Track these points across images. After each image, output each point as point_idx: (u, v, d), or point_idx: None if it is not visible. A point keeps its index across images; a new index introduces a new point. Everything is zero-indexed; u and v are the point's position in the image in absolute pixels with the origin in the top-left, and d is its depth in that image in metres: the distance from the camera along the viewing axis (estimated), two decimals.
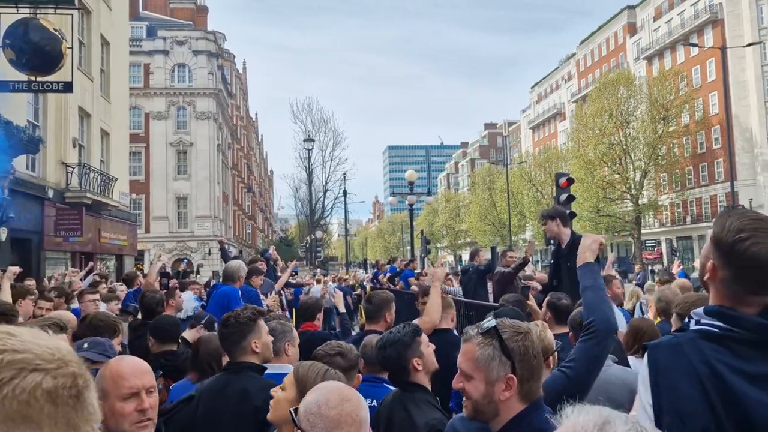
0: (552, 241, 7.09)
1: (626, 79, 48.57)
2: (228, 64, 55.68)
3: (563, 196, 12.93)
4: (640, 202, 47.13)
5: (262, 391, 2.54)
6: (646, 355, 1.61)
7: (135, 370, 2.05)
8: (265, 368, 3.11)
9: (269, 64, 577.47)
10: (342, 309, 5.75)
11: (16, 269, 5.81)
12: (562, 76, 77.73)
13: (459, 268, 15.89)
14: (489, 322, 1.84)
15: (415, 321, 4.73)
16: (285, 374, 3.07)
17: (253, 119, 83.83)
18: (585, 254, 2.46)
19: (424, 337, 3.04)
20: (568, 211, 12.64)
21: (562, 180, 13.20)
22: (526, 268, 8.47)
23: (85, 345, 2.53)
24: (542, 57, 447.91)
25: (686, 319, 1.62)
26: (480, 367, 1.78)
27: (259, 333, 3.01)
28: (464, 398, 1.84)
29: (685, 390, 1.49)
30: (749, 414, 1.42)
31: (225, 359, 3.88)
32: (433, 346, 3.06)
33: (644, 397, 1.57)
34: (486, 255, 10.20)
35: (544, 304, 4.69)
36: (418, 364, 2.93)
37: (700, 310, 1.58)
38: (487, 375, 1.78)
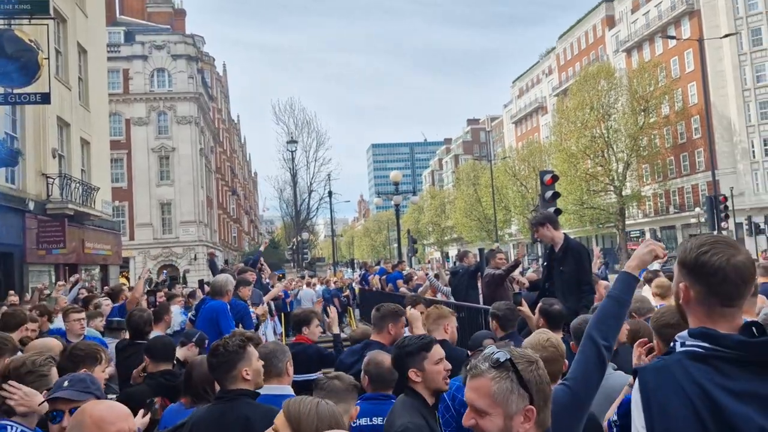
0: (538, 240, 7.11)
1: (606, 72, 48.97)
2: (208, 67, 55.27)
3: (548, 194, 13.00)
4: (623, 193, 47.57)
5: (265, 418, 2.48)
6: (636, 378, 1.67)
7: (118, 413, 2.00)
8: (258, 394, 3.07)
9: (248, 65, 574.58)
10: (336, 330, 5.54)
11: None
12: (543, 70, 78.14)
13: (449, 268, 15.87)
14: (500, 353, 1.76)
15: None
16: (289, 395, 3.04)
17: (235, 122, 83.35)
18: (632, 262, 2.27)
19: (434, 354, 3.00)
20: (553, 209, 12.77)
21: (547, 177, 13.27)
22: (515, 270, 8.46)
23: (65, 383, 2.45)
24: (522, 51, 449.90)
25: (671, 343, 1.69)
26: (498, 402, 1.71)
27: (249, 360, 2.96)
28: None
29: (676, 410, 1.55)
30: (736, 427, 1.49)
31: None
32: (448, 366, 3.02)
33: (637, 420, 1.63)
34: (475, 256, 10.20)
35: (537, 311, 4.68)
36: (416, 375, 2.94)
37: (685, 333, 1.66)
38: (506, 409, 1.71)
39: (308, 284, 19.19)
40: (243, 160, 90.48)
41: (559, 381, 2.27)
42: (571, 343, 3.28)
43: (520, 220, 60.42)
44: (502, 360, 1.74)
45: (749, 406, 1.51)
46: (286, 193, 56.06)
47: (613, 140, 47.15)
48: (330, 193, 42.09)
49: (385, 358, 3.37)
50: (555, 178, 13.38)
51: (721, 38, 36.08)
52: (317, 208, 54.58)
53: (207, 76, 53.03)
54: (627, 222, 49.83)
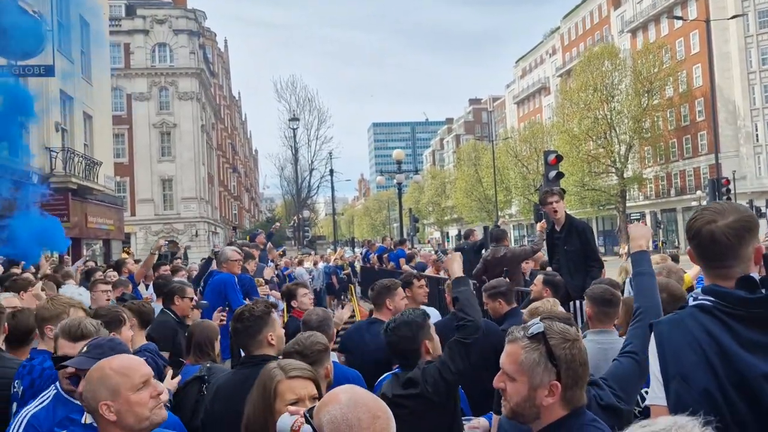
0: (541, 219, 7.13)
1: (610, 53, 48.58)
2: (209, 43, 54.83)
3: (552, 174, 13.02)
4: (624, 175, 47.52)
5: None
6: (652, 330, 1.87)
7: (137, 360, 2.11)
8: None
9: (249, 41, 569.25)
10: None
11: None
12: (547, 50, 77.51)
13: (455, 245, 15.89)
14: (537, 326, 1.81)
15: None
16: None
17: (236, 99, 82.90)
18: (640, 242, 2.57)
19: (431, 322, 3.12)
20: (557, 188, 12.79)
21: (551, 157, 13.28)
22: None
23: (84, 349, 2.48)
24: (526, 31, 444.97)
25: (688, 299, 1.88)
26: (524, 371, 1.76)
27: (274, 326, 3.05)
28: (503, 398, 1.83)
29: (688, 356, 1.73)
30: (742, 371, 1.66)
31: (217, 345, 3.99)
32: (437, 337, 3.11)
33: (654, 367, 1.82)
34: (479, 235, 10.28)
35: (539, 282, 4.73)
36: (429, 346, 2.99)
37: (699, 288, 1.85)
38: (531, 379, 1.76)
39: (300, 263, 19.13)
40: (244, 138, 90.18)
41: (624, 353, 2.42)
42: (586, 309, 3.35)
43: (520, 201, 60.41)
44: (535, 332, 1.79)
45: (755, 354, 1.67)
46: (287, 171, 56.07)
47: (616, 122, 46.96)
48: (331, 172, 42.09)
49: None
50: (559, 158, 13.40)
51: (728, 19, 35.76)
52: (318, 187, 54.64)
53: (208, 51, 52.63)
54: (628, 204, 49.83)
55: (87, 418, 2.39)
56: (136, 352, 3.63)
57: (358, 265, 20.58)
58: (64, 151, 18.58)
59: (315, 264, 20.11)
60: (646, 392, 1.99)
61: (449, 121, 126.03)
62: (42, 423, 2.52)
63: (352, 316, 7.15)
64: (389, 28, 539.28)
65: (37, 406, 2.56)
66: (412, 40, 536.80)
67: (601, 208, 50.60)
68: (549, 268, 6.07)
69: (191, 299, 5.01)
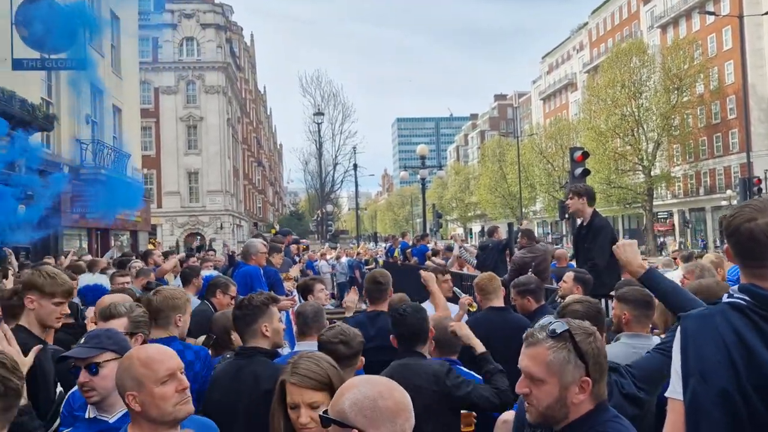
0: (567, 216, 7.11)
1: (639, 49, 47.78)
2: (236, 37, 55.19)
3: (578, 170, 12.84)
4: (652, 173, 46.76)
5: (272, 377, 2.55)
6: (678, 324, 1.84)
7: (165, 353, 2.07)
8: (277, 354, 3.21)
9: (275, 36, 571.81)
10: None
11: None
12: (574, 46, 76.54)
13: (478, 242, 15.83)
14: (557, 324, 1.79)
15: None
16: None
17: (262, 93, 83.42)
18: (634, 265, 2.64)
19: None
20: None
21: (577, 154, 13.09)
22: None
23: (82, 340, 2.54)
24: (553, 27, 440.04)
25: (724, 296, 1.83)
26: (554, 372, 1.74)
27: (271, 318, 3.07)
28: (527, 403, 1.80)
29: (710, 354, 1.69)
30: (766, 374, 1.62)
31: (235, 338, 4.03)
32: None
33: (675, 361, 1.79)
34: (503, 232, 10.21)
35: (569, 279, 4.69)
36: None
37: (736, 286, 1.79)
38: (562, 379, 1.74)
39: (322, 256, 19.25)
40: (269, 132, 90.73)
41: (654, 348, 2.47)
42: (620, 312, 3.30)
43: (545, 198, 59.86)
44: (559, 331, 1.77)
45: None
46: (311, 165, 56.33)
47: (644, 119, 46.20)
48: (355, 166, 42.16)
49: (448, 323, 3.49)
50: (585, 155, 13.19)
51: (761, 15, 34.93)
52: (342, 181, 54.78)
53: (235, 46, 53.00)
54: (655, 203, 49.05)
55: (90, 413, 2.43)
56: None
57: (380, 260, 20.62)
58: (94, 143, 18.91)
59: (338, 258, 20.20)
60: None
61: (474, 116, 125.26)
62: (77, 399, 2.64)
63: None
64: (415, 23, 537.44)
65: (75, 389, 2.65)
66: (438, 36, 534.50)
67: (628, 206, 49.90)
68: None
69: (232, 297, 5.04)
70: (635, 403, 2.28)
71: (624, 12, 64.34)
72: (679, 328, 1.81)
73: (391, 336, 3.30)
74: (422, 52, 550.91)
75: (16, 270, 7.67)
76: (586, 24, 73.47)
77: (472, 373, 3.31)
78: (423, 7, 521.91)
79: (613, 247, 2.83)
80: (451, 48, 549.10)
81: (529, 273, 5.76)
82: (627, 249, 2.70)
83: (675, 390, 1.78)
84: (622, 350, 2.92)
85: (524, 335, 1.84)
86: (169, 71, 42.56)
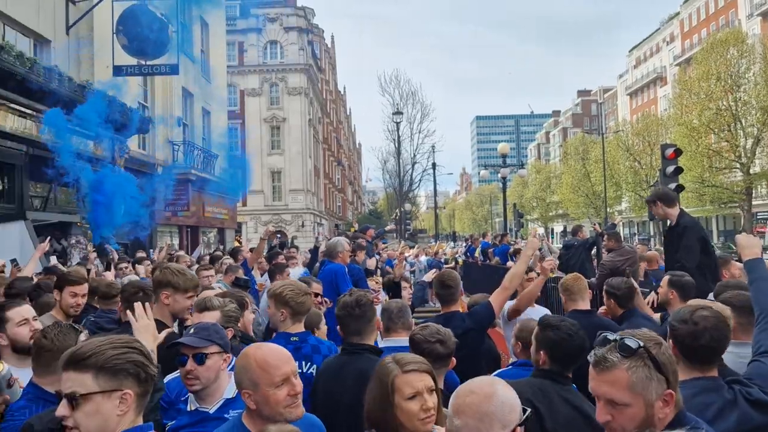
0: (653, 216, 6.87)
1: (737, 38, 44.93)
2: (317, 39, 56.37)
3: (670, 168, 12.26)
4: (751, 171, 43.89)
5: None
6: None
7: (281, 357, 2.14)
8: (382, 350, 3.20)
9: (355, 36, 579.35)
10: None
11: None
12: (664, 38, 73.02)
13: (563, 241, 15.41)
14: (629, 340, 1.68)
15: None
16: (404, 347, 3.17)
17: (342, 93, 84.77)
18: (754, 249, 2.62)
19: None
20: (674, 185, 12.05)
21: (669, 151, 12.50)
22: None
23: (192, 330, 2.67)
24: (641, 18, 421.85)
25: None
26: (638, 392, 1.65)
27: (376, 314, 3.19)
28: (609, 430, 1.70)
29: None
30: None
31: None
32: None
33: None
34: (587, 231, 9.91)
35: (666, 283, 4.47)
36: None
37: None
38: (647, 398, 1.66)
39: (401, 254, 19.26)
40: (348, 131, 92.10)
41: (761, 353, 2.41)
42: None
43: (631, 198, 57.49)
44: (634, 347, 1.66)
45: None
46: (389, 164, 56.56)
47: (742, 113, 43.39)
48: (434, 165, 42.03)
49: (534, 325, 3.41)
50: (678, 152, 12.59)
51: None
52: (420, 180, 54.71)
53: (316, 47, 54.15)
54: (754, 202, 46.02)
55: (191, 405, 2.55)
56: None
57: (460, 260, 20.48)
58: (185, 144, 19.83)
59: (417, 256, 20.19)
60: None
61: (556, 113, 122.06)
62: (172, 390, 2.78)
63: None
64: (495, 18, 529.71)
65: (176, 374, 2.79)
66: (519, 31, 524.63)
67: (723, 206, 47.09)
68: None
69: (315, 294, 5.17)
70: (765, 410, 2.15)
71: (719, 1, 60.78)
72: None
73: (541, 351, 2.89)
74: (502, 48, 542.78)
75: (116, 262, 8.19)
76: (677, 14, 69.95)
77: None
78: (504, 2, 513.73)
79: (737, 235, 2.86)
80: (533, 43, 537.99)
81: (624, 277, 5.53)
82: (750, 236, 2.78)
83: None
84: (729, 360, 2.74)
85: (593, 359, 1.72)
86: (254, 74, 44.01)
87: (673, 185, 11.93)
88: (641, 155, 54.01)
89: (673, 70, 66.30)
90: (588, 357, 1.74)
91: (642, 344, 1.67)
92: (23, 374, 2.78)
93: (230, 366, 2.60)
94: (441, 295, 4.38)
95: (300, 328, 3.42)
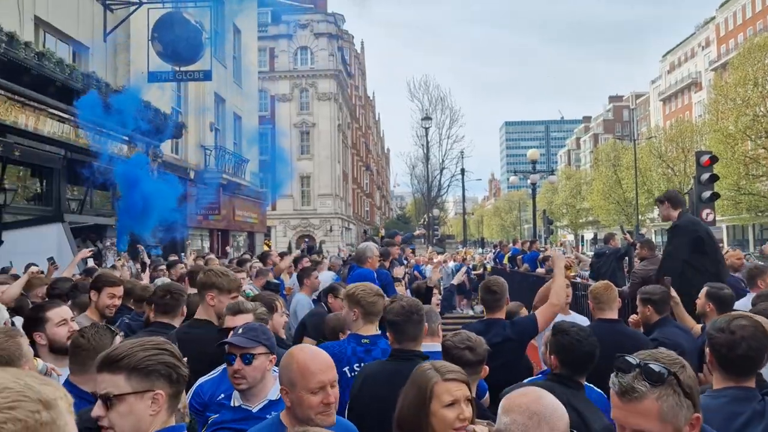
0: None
1: None
2: (347, 45, 56.70)
3: (705, 176, 12.04)
4: None
5: None
6: None
7: (322, 365, 2.18)
8: (428, 356, 3.19)
9: (385, 41, 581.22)
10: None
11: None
12: (699, 43, 71.66)
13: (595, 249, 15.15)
14: (655, 366, 1.62)
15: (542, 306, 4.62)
16: (439, 352, 3.16)
17: (371, 98, 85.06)
18: None
19: None
20: (709, 193, 11.81)
21: (704, 158, 12.28)
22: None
23: (240, 330, 2.72)
24: (675, 23, 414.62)
25: None
26: (668, 421, 1.59)
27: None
28: None
29: None
30: None
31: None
32: None
33: None
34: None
35: (704, 295, 4.39)
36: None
37: None
38: (676, 425, 1.61)
39: (429, 260, 19.20)
40: (377, 137, 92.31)
41: None
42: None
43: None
44: (665, 375, 1.60)
45: None
46: (417, 170, 56.54)
47: None
48: (462, 171, 41.91)
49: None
50: (713, 160, 12.36)
51: None
52: (448, 186, 54.57)
53: (346, 53, 54.46)
54: None
55: (235, 401, 2.59)
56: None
57: (488, 266, 20.34)
58: (217, 149, 20.12)
59: (445, 262, 20.12)
60: None
61: (586, 119, 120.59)
62: (206, 392, 2.82)
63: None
64: (525, 23, 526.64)
65: (209, 376, 2.83)
66: (549, 35, 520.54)
67: (760, 214, 45.95)
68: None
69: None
70: None
71: (757, 4, 59.46)
72: None
73: (552, 356, 2.98)
74: (532, 52, 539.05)
75: (148, 265, 8.34)
76: (713, 18, 68.62)
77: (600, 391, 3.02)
78: (534, 5, 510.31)
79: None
80: (564, 47, 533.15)
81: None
82: None
83: None
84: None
85: (618, 388, 1.64)
86: (285, 80, 44.46)
87: (708, 193, 11.72)
88: (675, 162, 53.04)
89: (708, 75, 65.03)
90: (610, 384, 1.67)
91: (668, 370, 1.61)
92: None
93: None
94: (486, 300, 4.33)
95: (372, 330, 3.43)
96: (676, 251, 5.55)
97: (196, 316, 3.61)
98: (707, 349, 2.35)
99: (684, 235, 5.50)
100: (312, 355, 2.21)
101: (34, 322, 3.24)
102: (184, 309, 3.90)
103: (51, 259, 6.91)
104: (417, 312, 3.04)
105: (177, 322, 3.81)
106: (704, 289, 4.16)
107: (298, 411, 2.11)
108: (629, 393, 1.61)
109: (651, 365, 1.61)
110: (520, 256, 14.51)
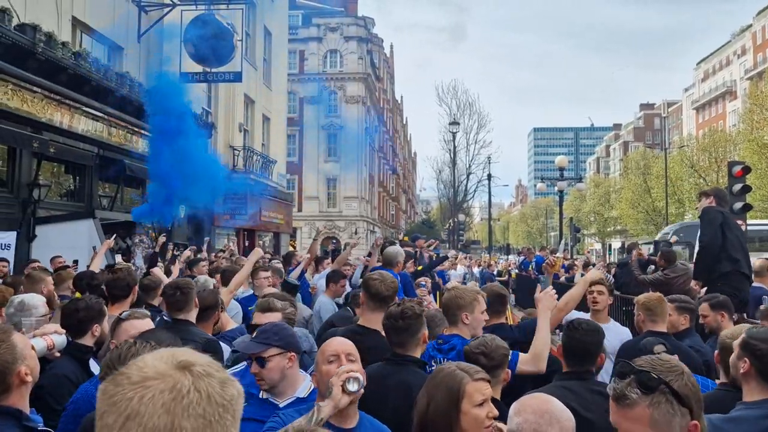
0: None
1: None
2: (376, 49, 56.88)
3: (737, 187, 11.80)
4: None
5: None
6: None
7: (338, 341, 2.52)
8: (426, 363, 3.19)
9: (413, 45, 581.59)
10: None
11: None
12: (735, 51, 70.24)
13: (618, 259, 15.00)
14: (644, 375, 1.62)
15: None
16: None
17: (399, 102, 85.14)
18: None
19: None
20: (741, 204, 11.58)
21: (737, 168, 12.03)
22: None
23: (254, 334, 2.77)
24: (709, 30, 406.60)
25: None
26: (661, 428, 1.59)
27: (425, 326, 3.12)
28: None
29: None
30: None
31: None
32: None
33: None
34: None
35: (706, 310, 4.38)
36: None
37: None
38: None
39: (453, 264, 19.15)
40: (404, 140, 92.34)
41: None
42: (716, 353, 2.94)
43: (695, 215, 55.34)
44: (654, 385, 1.60)
45: None
46: (444, 174, 56.43)
47: None
48: (489, 177, 41.68)
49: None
50: (746, 170, 12.10)
51: None
52: (474, 191, 54.36)
53: (375, 57, 54.63)
54: None
55: (263, 393, 2.63)
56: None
57: (513, 273, 20.22)
58: (245, 149, 20.35)
59: (470, 267, 20.06)
60: None
61: (616, 127, 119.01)
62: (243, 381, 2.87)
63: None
64: (556, 28, 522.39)
65: (235, 369, 2.90)
66: (580, 41, 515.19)
67: None
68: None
69: None
70: None
71: None
72: None
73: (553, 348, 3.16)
74: (562, 58, 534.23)
75: (190, 259, 8.55)
76: (749, 26, 67.22)
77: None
78: (565, 10, 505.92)
79: None
80: (595, 54, 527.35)
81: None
82: None
83: None
84: None
85: (612, 393, 1.67)
86: (313, 82, 44.76)
87: (740, 204, 11.48)
88: (707, 172, 52.03)
89: (743, 84, 63.68)
90: (607, 388, 1.70)
91: (660, 379, 1.60)
92: None
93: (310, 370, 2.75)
94: (493, 304, 4.29)
95: (453, 330, 3.54)
96: (706, 233, 5.67)
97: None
98: (745, 359, 2.29)
99: (712, 221, 5.62)
100: (336, 339, 2.53)
101: None
102: (197, 301, 3.97)
103: (76, 262, 7.04)
104: (402, 318, 2.98)
105: (192, 317, 3.90)
106: (704, 305, 4.19)
107: (321, 386, 2.31)
108: (622, 399, 1.63)
109: (644, 374, 1.62)
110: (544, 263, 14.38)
